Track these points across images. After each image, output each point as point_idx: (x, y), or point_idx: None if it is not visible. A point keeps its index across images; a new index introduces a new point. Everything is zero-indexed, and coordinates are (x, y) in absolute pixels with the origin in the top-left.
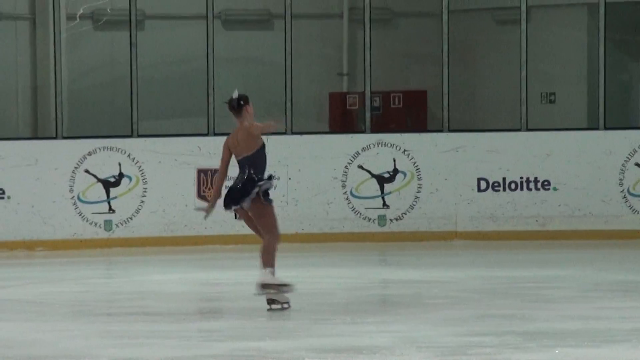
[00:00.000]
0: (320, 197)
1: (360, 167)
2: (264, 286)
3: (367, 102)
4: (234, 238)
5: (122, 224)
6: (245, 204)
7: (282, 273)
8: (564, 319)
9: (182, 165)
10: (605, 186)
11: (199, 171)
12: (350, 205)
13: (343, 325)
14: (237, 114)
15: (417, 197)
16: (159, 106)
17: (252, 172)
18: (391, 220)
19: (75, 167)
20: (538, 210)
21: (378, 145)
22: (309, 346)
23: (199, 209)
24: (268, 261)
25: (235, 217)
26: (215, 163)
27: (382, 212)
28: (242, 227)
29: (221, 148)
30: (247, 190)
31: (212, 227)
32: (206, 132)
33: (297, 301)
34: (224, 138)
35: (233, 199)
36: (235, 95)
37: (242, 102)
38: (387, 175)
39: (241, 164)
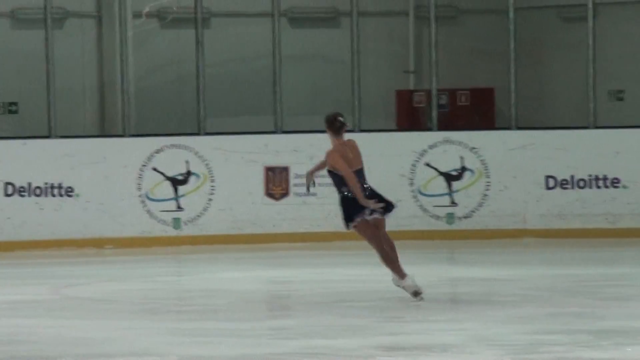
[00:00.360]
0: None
1: (428, 164)
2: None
3: (434, 100)
4: (302, 236)
5: (190, 222)
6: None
7: (351, 271)
8: (635, 317)
9: (249, 163)
10: None
11: (267, 169)
12: (418, 203)
13: (413, 323)
14: (340, 133)
15: (485, 195)
16: (226, 104)
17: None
18: (459, 218)
19: (143, 165)
20: (607, 208)
21: (445, 143)
22: (379, 344)
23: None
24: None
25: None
26: (282, 161)
27: (450, 210)
28: (310, 225)
29: (288, 146)
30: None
31: (280, 224)
32: (273, 129)
33: (366, 299)
34: (291, 136)
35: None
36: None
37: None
38: (454, 173)
39: (357, 175)
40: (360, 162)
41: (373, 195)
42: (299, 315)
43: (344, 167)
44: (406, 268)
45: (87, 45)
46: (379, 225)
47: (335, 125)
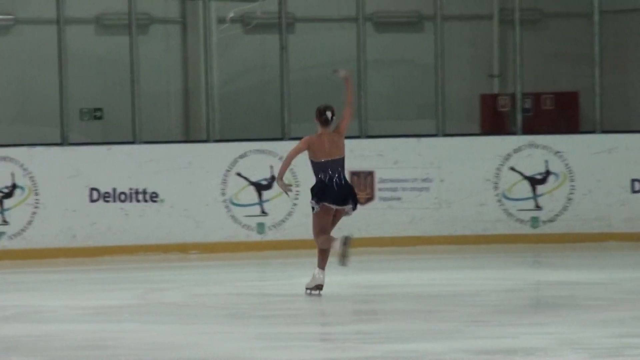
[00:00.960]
0: (473, 199)
1: (512, 169)
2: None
3: (519, 104)
4: (388, 240)
5: (274, 227)
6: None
7: (436, 275)
8: None
9: None
10: None
11: (352, 174)
12: (503, 207)
13: (498, 327)
14: (327, 125)
15: (569, 199)
16: (309, 109)
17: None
18: (544, 222)
19: (227, 170)
20: None
21: (530, 147)
22: (464, 348)
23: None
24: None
25: (313, 210)
26: (367, 165)
27: (534, 213)
28: (395, 229)
29: (372, 150)
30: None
31: (365, 229)
32: (358, 134)
33: (452, 303)
34: (376, 140)
35: (350, 199)
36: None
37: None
38: (539, 177)
39: (334, 164)
40: (338, 153)
41: (341, 188)
42: (384, 319)
43: (291, 152)
44: (491, 272)
45: (172, 51)
46: (337, 215)
47: (321, 118)
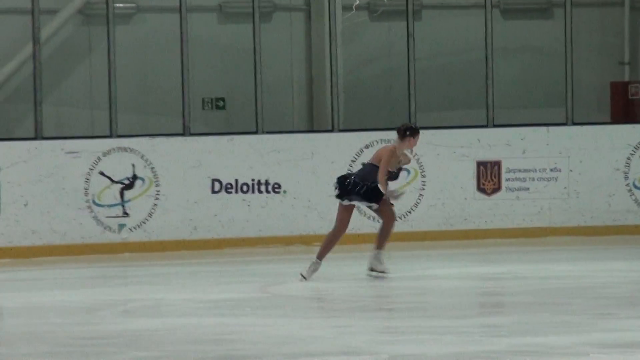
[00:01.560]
0: (602, 189)
1: None
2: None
3: None
4: (515, 231)
5: (401, 218)
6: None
7: (564, 267)
8: None
9: (460, 158)
10: None
11: (478, 163)
12: (633, 197)
13: (628, 320)
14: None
15: None
16: (436, 97)
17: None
18: None
19: (352, 161)
20: None
21: None
22: (594, 341)
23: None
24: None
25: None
26: (494, 155)
27: None
28: (523, 220)
29: (500, 139)
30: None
31: (492, 220)
32: (485, 123)
33: (579, 295)
34: (503, 129)
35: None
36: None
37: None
38: None
39: (392, 174)
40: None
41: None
42: (510, 312)
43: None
44: (620, 263)
45: (296, 39)
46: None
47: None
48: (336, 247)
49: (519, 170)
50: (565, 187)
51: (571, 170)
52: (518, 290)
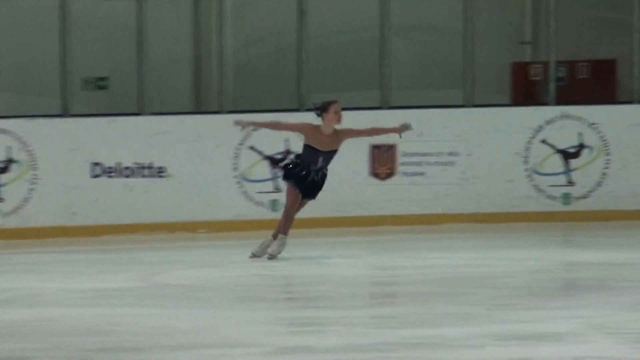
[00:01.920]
0: (501, 174)
1: (544, 141)
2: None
3: (552, 73)
4: (410, 218)
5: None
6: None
7: (461, 255)
8: None
9: (354, 141)
10: None
11: (373, 147)
12: (533, 183)
13: (526, 311)
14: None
15: (604, 174)
16: (329, 78)
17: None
18: (576, 198)
19: (240, 144)
20: None
21: (563, 118)
22: (490, 333)
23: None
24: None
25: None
26: (389, 138)
27: (566, 189)
28: (418, 207)
29: (395, 122)
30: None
31: (386, 207)
32: (380, 105)
33: (476, 285)
34: (399, 111)
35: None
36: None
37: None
38: (572, 151)
39: (325, 156)
40: (337, 144)
41: (313, 182)
42: (405, 302)
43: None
44: (519, 251)
45: (183, 15)
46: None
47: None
48: (218, 234)
49: (415, 154)
50: (462, 172)
51: (469, 155)
52: (412, 279)
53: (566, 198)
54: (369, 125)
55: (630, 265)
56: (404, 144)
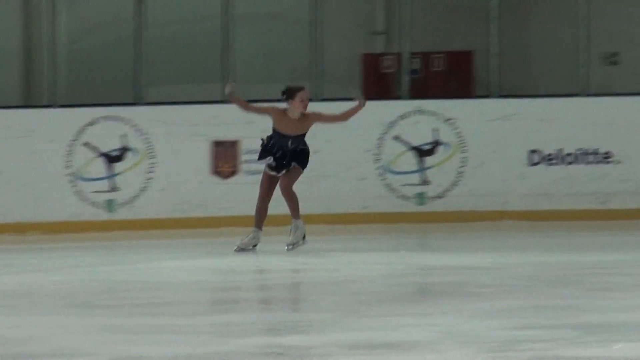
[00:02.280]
0: (351, 173)
1: (397, 138)
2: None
3: (405, 65)
4: (252, 219)
5: (126, 204)
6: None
7: (307, 259)
8: (627, 310)
9: (194, 137)
10: None
11: (214, 143)
12: (385, 182)
13: (377, 318)
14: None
15: (460, 172)
16: (168, 70)
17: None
18: (431, 198)
19: (73, 140)
20: (598, 186)
21: (417, 113)
22: (339, 341)
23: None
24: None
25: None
26: (232, 134)
27: (421, 189)
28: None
29: (239, 117)
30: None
31: (229, 207)
32: (222, 99)
33: (325, 291)
34: None
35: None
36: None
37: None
38: (427, 147)
39: (292, 139)
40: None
41: (283, 154)
42: (247, 309)
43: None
44: (371, 255)
45: (11, 2)
46: (273, 181)
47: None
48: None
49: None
50: (310, 170)
51: (317, 152)
52: (257, 285)
53: (420, 198)
54: (208, 118)
55: (488, 270)
56: (247, 140)
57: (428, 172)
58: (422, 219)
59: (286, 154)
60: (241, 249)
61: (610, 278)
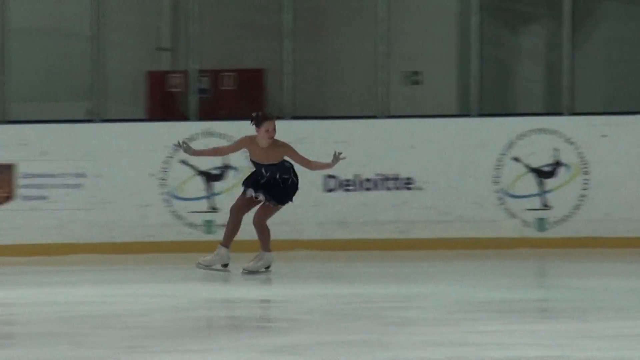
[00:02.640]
0: (135, 199)
1: (184, 162)
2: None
3: (193, 83)
4: (30, 248)
5: None
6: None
7: (85, 290)
8: (426, 345)
9: None
10: (477, 185)
11: None
12: (171, 209)
13: (160, 354)
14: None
15: None
16: None
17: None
18: (218, 226)
19: None
20: (398, 214)
21: (206, 135)
22: None
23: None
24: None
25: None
26: (6, 157)
27: (209, 216)
28: (40, 235)
29: (14, 138)
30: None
31: (4, 234)
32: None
33: (104, 325)
34: (17, 126)
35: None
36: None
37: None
38: (216, 172)
39: (266, 167)
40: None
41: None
42: (19, 345)
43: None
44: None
45: None
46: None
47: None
48: None
49: (37, 176)
50: (91, 196)
51: (98, 176)
52: (29, 318)
53: (209, 226)
54: None
55: (280, 303)
56: (24, 163)
57: (218, 197)
58: (211, 248)
59: (262, 185)
60: (205, 266)
61: (409, 312)
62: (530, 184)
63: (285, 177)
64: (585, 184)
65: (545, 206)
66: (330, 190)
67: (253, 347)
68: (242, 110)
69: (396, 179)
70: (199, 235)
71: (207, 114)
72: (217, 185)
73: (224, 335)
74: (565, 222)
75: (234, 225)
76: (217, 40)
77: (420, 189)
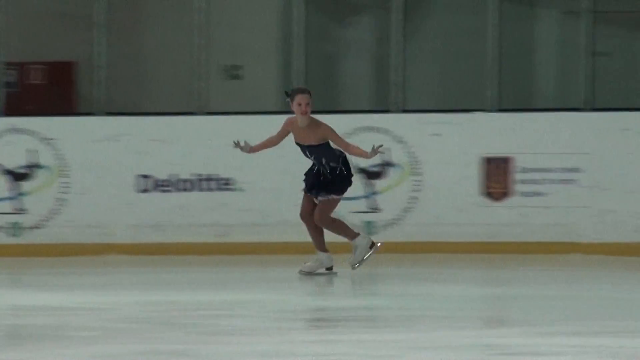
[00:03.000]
0: None
1: None
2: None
3: None
4: None
5: None
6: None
7: None
8: (245, 356)
9: None
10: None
11: None
12: None
13: None
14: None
15: (63, 200)
16: None
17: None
18: (28, 228)
19: None
20: (217, 216)
21: (12, 132)
22: None
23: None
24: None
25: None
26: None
27: (16, 218)
28: None
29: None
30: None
31: None
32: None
33: None
34: None
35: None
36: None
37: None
38: (23, 172)
39: (309, 149)
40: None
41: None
42: None
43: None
44: None
45: None
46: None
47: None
48: None
49: None
50: None
51: None
52: None
53: (15, 229)
54: None
55: (91, 310)
56: None
57: (26, 198)
58: (15, 252)
59: (312, 176)
60: (307, 273)
61: (228, 320)
62: (358, 185)
63: (333, 165)
64: (416, 185)
65: (374, 209)
66: (144, 191)
67: (61, 357)
68: (52, 105)
69: (215, 179)
70: (3, 239)
71: (13, 109)
72: (25, 185)
73: (30, 345)
74: (395, 226)
75: (311, 229)
76: (24, 30)
77: (240, 190)
